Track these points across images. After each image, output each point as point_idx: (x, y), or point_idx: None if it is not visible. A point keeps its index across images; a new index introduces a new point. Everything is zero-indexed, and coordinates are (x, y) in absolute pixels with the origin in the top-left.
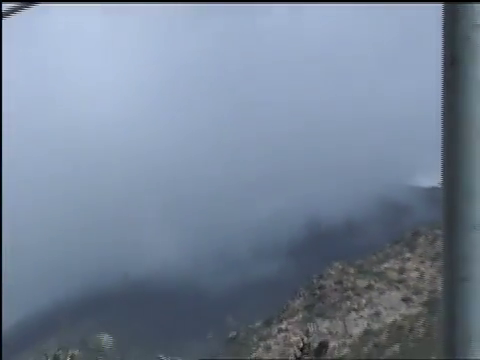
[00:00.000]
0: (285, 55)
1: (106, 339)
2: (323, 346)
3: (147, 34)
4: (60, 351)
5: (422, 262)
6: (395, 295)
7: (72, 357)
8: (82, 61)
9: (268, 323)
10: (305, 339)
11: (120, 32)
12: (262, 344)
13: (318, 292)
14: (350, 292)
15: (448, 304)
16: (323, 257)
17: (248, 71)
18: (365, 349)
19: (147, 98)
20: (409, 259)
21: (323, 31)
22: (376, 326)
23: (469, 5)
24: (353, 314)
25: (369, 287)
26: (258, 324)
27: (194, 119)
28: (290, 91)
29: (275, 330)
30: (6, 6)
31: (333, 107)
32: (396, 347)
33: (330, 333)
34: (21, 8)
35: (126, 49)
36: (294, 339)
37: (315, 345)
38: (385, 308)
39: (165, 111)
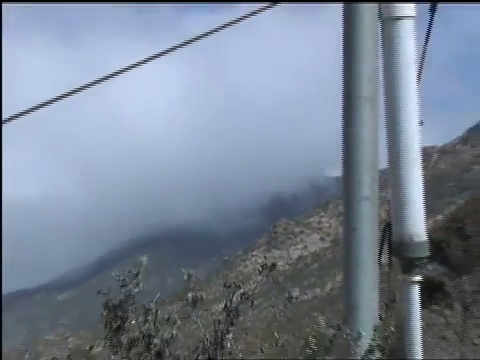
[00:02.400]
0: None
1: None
2: (273, 265)
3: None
4: (137, 267)
5: (330, 218)
6: (315, 236)
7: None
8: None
9: (245, 252)
10: (263, 261)
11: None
12: (242, 264)
13: (273, 235)
14: (291, 235)
15: (345, 242)
16: (277, 215)
17: (231, 112)
18: (298, 266)
19: (181, 124)
20: (323, 216)
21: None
22: (305, 254)
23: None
24: (292, 247)
25: (301, 232)
26: (240, 253)
27: (207, 136)
28: (254, 118)
29: (249, 256)
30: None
31: (282, 132)
32: (316, 265)
33: (280, 257)
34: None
35: (166, 93)
36: (259, 261)
37: (269, 264)
38: (310, 243)
39: (192, 131)
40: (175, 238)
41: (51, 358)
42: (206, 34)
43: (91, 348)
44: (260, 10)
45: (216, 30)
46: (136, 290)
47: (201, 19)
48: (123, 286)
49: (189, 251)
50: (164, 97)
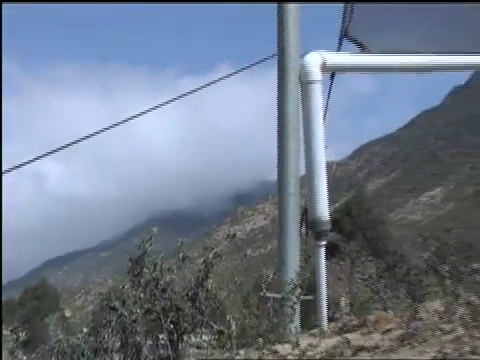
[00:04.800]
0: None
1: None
2: (234, 235)
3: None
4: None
5: (270, 205)
6: (261, 217)
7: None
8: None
9: (218, 226)
10: (228, 232)
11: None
12: (215, 234)
13: (235, 216)
14: (246, 216)
15: (279, 220)
16: (238, 203)
17: (211, 140)
18: (250, 235)
19: (177, 148)
20: (266, 204)
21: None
22: (254, 227)
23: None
24: (248, 224)
25: (252, 215)
26: (214, 226)
27: (196, 155)
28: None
29: (223, 228)
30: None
31: (243, 153)
32: (261, 235)
33: (239, 230)
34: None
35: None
36: (226, 232)
37: (232, 234)
38: (257, 221)
39: (186, 151)
40: (175, 218)
41: (99, 293)
42: (194, 90)
43: (123, 287)
44: (230, 75)
45: (201, 88)
46: (150, 248)
47: (190, 79)
48: (140, 247)
49: (183, 226)
50: (168, 131)
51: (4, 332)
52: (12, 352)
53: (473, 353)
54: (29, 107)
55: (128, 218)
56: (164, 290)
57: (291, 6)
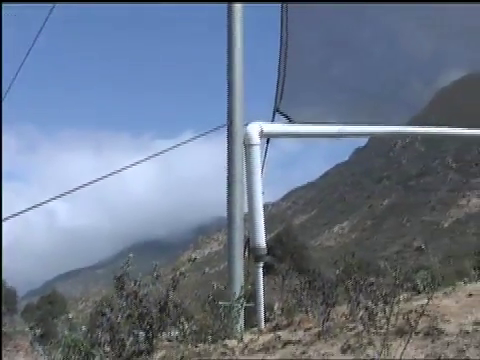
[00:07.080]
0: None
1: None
2: (195, 258)
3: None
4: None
5: (223, 235)
6: (216, 243)
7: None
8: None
9: (183, 251)
10: (190, 256)
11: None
12: (181, 256)
13: (197, 243)
14: (205, 243)
15: (228, 247)
16: (200, 233)
17: (181, 184)
18: (208, 257)
19: (153, 191)
20: (219, 234)
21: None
22: (211, 252)
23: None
24: (206, 249)
25: (209, 242)
26: (180, 251)
27: (170, 197)
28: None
29: (188, 252)
30: None
31: (204, 196)
32: (216, 256)
33: (199, 253)
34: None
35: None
36: (189, 256)
37: (193, 257)
38: (213, 247)
39: (163, 194)
40: (153, 244)
41: (94, 301)
42: (166, 150)
43: (112, 296)
44: (193, 138)
45: (172, 147)
46: (129, 269)
47: (163, 141)
48: (121, 268)
49: (159, 250)
50: (148, 180)
51: (25, 329)
52: (31, 343)
53: (370, 344)
54: (41, 159)
55: (118, 244)
56: (141, 300)
57: (238, 89)
